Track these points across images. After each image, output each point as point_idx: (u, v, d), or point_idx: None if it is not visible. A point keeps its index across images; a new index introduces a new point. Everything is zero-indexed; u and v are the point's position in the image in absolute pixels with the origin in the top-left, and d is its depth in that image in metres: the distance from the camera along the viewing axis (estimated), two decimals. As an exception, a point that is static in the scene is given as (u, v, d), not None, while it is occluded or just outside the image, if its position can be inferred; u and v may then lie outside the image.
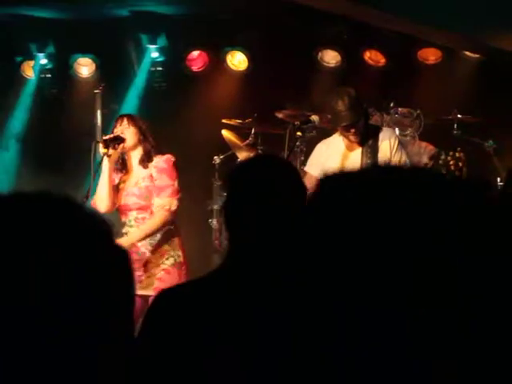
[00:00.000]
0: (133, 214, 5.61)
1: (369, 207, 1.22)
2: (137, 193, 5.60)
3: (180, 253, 5.61)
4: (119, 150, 5.64)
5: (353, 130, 5.29)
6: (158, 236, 5.57)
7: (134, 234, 5.54)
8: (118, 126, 5.64)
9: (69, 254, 1.24)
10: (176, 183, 5.61)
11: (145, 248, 5.56)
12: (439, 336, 1.20)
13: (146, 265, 5.52)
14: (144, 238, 5.53)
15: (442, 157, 5.13)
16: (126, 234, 5.61)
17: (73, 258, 1.24)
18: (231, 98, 8.71)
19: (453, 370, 1.20)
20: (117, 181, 5.70)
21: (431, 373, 1.20)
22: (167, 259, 5.56)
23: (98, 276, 1.25)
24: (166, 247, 5.58)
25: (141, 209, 5.59)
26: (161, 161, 5.61)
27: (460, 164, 5.06)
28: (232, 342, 2.28)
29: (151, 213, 5.58)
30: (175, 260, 5.57)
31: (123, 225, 5.66)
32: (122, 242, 5.36)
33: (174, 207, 5.56)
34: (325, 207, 1.28)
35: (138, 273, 5.43)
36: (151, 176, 5.59)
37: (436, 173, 1.34)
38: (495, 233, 1.22)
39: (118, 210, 5.69)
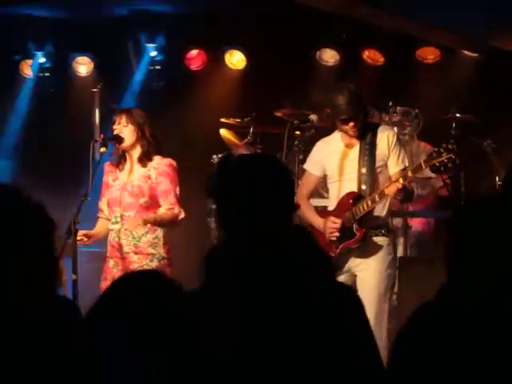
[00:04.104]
0: (118, 210, 5.59)
1: None
2: (129, 189, 5.60)
3: (164, 254, 5.57)
4: (118, 149, 5.65)
5: (351, 124, 5.28)
6: (143, 238, 5.55)
7: (149, 216, 5.53)
8: (116, 123, 5.62)
9: None
10: (177, 189, 5.61)
11: (128, 248, 5.55)
12: None
13: (129, 266, 5.49)
14: (153, 223, 5.52)
15: (435, 149, 5.12)
16: (112, 230, 5.61)
17: None
18: (230, 97, 8.70)
19: None
20: (110, 177, 5.71)
21: None
22: (151, 261, 5.53)
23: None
24: (150, 249, 5.56)
25: (129, 206, 5.57)
26: (162, 163, 5.60)
27: (453, 156, 5.04)
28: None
29: (137, 211, 5.57)
30: (159, 261, 5.54)
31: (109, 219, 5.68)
32: (134, 219, 5.46)
33: (181, 215, 5.58)
34: None
35: (120, 273, 5.38)
36: (148, 177, 5.58)
37: None
38: None
39: (108, 204, 5.67)
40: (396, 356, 2.14)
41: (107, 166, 5.74)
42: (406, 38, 8.11)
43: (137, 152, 5.63)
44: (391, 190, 5.17)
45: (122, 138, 5.57)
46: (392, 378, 2.11)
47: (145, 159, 5.60)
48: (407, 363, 2.07)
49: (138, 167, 5.63)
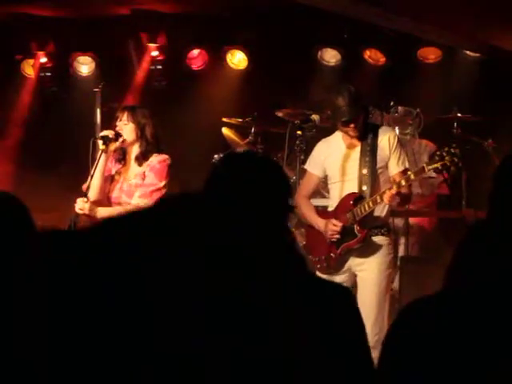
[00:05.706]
0: (118, 209, 5.61)
1: None
2: (125, 189, 5.62)
3: None
4: (118, 146, 5.66)
5: (352, 125, 5.29)
6: None
7: (103, 211, 5.54)
8: (119, 119, 5.64)
9: None
10: (162, 184, 5.56)
11: None
12: None
13: None
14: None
15: (438, 153, 5.14)
16: None
17: None
18: (231, 97, 8.71)
19: None
20: (114, 171, 5.71)
21: None
22: None
23: None
24: None
25: (126, 205, 5.58)
26: (155, 160, 5.60)
27: (455, 159, 5.07)
28: None
29: None
30: None
31: None
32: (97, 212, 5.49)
33: None
34: None
35: None
36: (143, 174, 5.59)
37: None
38: None
39: (108, 201, 5.69)
40: (386, 352, 2.12)
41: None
42: (407, 38, 8.12)
43: (135, 151, 5.64)
44: (386, 198, 5.16)
45: (122, 136, 5.59)
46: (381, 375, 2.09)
47: (141, 158, 5.60)
48: (396, 359, 2.06)
49: (134, 166, 5.64)
